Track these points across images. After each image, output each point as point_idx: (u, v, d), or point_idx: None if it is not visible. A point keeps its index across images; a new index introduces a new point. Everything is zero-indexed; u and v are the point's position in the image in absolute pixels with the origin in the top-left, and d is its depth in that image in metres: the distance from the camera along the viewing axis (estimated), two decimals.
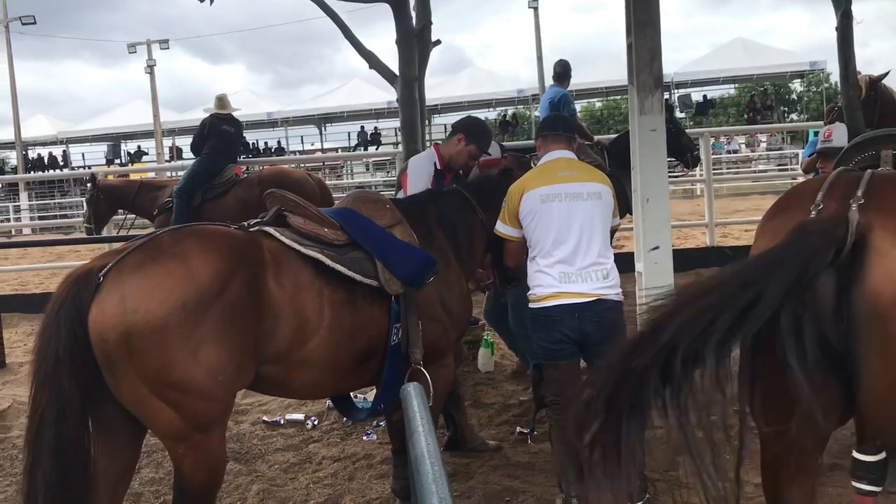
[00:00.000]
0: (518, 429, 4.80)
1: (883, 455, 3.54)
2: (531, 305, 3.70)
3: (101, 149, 35.96)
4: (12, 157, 36.78)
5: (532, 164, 8.10)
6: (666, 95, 5.77)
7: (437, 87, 28.31)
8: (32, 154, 36.46)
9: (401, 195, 4.39)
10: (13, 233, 22.89)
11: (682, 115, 28.87)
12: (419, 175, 4.44)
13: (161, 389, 2.62)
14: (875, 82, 5.78)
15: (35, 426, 2.63)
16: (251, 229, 3.15)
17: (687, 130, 9.11)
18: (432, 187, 4.33)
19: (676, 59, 30.79)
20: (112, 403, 2.72)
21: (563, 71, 8.45)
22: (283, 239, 3.09)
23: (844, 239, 2.00)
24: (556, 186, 3.68)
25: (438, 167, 4.50)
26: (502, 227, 3.82)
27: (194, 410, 2.68)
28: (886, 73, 5.88)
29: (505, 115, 34.12)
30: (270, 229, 3.15)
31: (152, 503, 4.19)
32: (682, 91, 31.11)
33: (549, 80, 11.54)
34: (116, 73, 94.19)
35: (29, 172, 31.40)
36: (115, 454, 2.85)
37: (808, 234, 2.04)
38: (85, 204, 9.27)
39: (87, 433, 2.68)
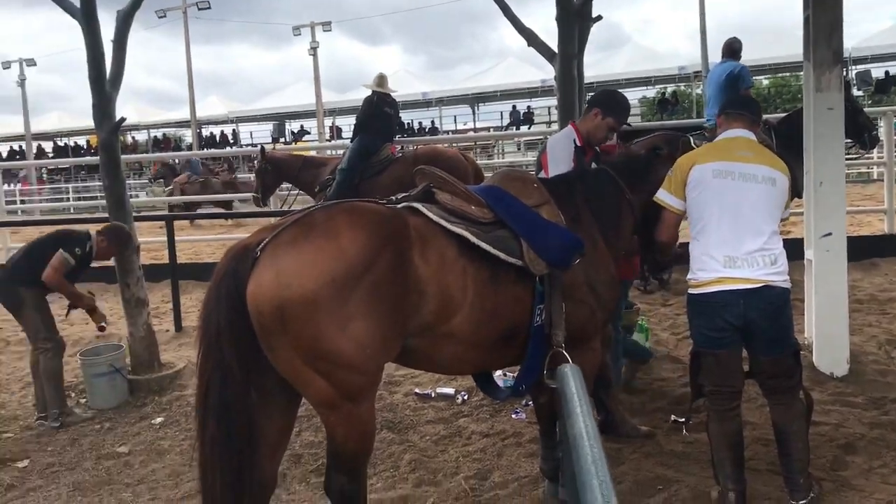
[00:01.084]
0: (672, 417, 4.66)
1: None
2: (691, 291, 3.57)
3: (268, 128, 37.90)
4: (188, 136, 39.46)
5: (694, 144, 7.81)
6: (843, 72, 5.37)
7: (594, 65, 27.81)
8: (206, 132, 38.95)
9: (541, 175, 4.32)
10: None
11: (860, 92, 26.83)
12: (559, 154, 4.36)
13: (312, 360, 2.72)
14: None
15: (202, 391, 2.82)
16: (399, 205, 3.20)
17: (866, 110, 8.47)
18: (574, 165, 4.24)
19: (855, 32, 28.51)
20: (270, 370, 2.85)
21: (736, 49, 8.08)
22: (429, 215, 3.12)
23: None
24: (730, 164, 3.49)
25: (578, 144, 4.40)
26: (666, 196, 3.65)
27: (343, 381, 2.77)
28: None
29: (664, 94, 32.97)
30: (418, 205, 3.18)
31: (311, 465, 4.40)
32: (861, 67, 28.90)
33: (713, 57, 11.03)
34: (282, 55, 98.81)
35: (202, 150, 33.55)
36: (273, 417, 3.00)
37: None
38: (254, 174, 9.84)
39: (249, 399, 2.82)
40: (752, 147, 3.59)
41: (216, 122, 39.30)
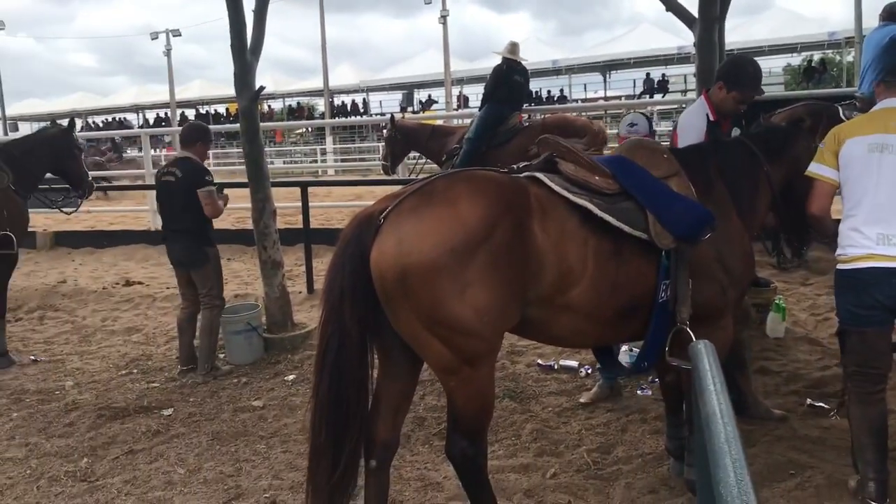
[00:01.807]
0: (808, 401, 4.45)
1: None
2: (839, 267, 3.38)
3: (397, 97, 38.53)
4: (320, 104, 40.65)
5: (843, 116, 7.34)
6: None
7: (735, 31, 26.48)
8: (337, 101, 39.98)
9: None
10: (319, 173, 25.39)
11: None
12: (690, 132, 4.17)
13: (432, 325, 2.76)
14: None
15: (321, 350, 2.92)
16: (521, 175, 3.17)
17: None
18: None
19: None
20: (392, 334, 2.92)
21: (894, 12, 7.46)
22: (551, 185, 3.07)
23: None
24: (887, 136, 3.28)
25: (712, 118, 4.18)
26: (818, 168, 3.45)
27: (462, 346, 2.79)
28: None
29: (811, 61, 31.10)
30: (540, 175, 3.14)
31: (434, 428, 4.49)
32: None
33: (868, 22, 10.25)
34: (411, 24, 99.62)
35: (334, 118, 34.47)
36: (395, 379, 3.08)
37: None
38: (383, 142, 10.02)
39: (366, 362, 2.90)
40: None
41: (347, 92, 40.27)
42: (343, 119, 36.17)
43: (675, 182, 3.24)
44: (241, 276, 9.06)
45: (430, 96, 38.18)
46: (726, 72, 4.26)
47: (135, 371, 6.02)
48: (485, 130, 8.75)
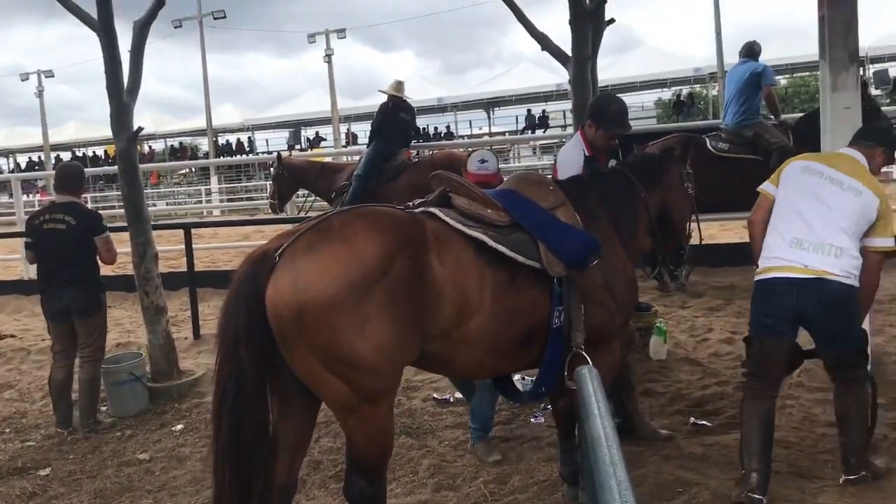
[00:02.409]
0: (692, 419, 4.64)
1: None
2: (755, 277, 3.74)
3: (284, 135, 38.12)
4: (204, 144, 39.73)
5: (710, 146, 7.78)
6: (860, 71, 5.35)
7: (608, 68, 27.68)
8: (222, 140, 39.22)
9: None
10: (204, 214, 24.78)
11: (878, 92, 26.59)
12: (568, 167, 4.36)
13: (330, 363, 2.74)
14: None
15: (218, 395, 2.85)
16: (416, 210, 3.22)
17: (884, 109, 8.39)
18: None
19: (872, 32, 28.25)
20: (289, 375, 2.87)
21: (756, 51, 8.05)
22: (446, 219, 3.13)
23: None
24: (822, 166, 3.72)
25: (588, 154, 4.40)
26: (764, 184, 3.92)
27: (362, 384, 2.78)
28: None
29: (679, 95, 32.83)
30: (435, 210, 3.20)
31: (330, 470, 4.41)
32: (878, 66, 28.67)
33: (728, 58, 10.96)
34: (295, 63, 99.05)
35: (219, 157, 33.78)
36: (292, 422, 3.02)
37: None
38: (270, 180, 9.91)
39: (265, 404, 2.85)
40: (853, 164, 3.75)
41: (232, 130, 39.57)
42: (228, 158, 35.46)
43: (562, 212, 3.37)
44: (122, 323, 8.69)
45: (317, 134, 37.99)
46: (592, 111, 4.49)
47: (7, 430, 5.65)
48: (373, 167, 8.80)
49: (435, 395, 5.48)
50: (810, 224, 3.58)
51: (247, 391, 2.78)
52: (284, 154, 10.30)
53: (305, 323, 2.70)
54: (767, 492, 3.54)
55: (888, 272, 7.83)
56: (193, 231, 8.34)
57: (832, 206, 3.59)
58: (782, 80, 33.93)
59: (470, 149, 9.22)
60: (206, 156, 37.25)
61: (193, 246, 8.06)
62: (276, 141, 38.42)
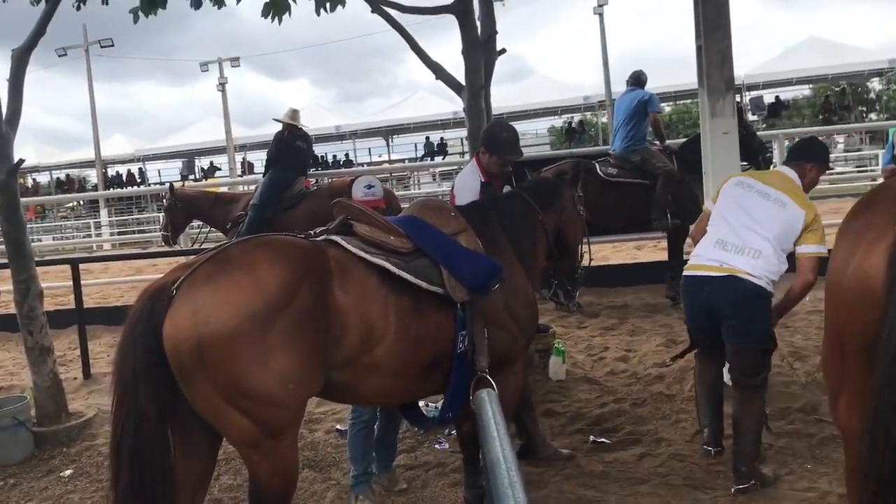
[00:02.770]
0: (591, 438, 4.75)
1: None
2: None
3: (177, 165, 37.15)
4: (92, 176, 38.27)
5: (599, 171, 8.06)
6: (737, 98, 5.68)
7: (501, 97, 28.34)
8: (111, 172, 37.88)
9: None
10: (94, 248, 23.79)
11: (755, 117, 28.21)
12: (465, 193, 4.45)
13: (233, 398, 2.68)
14: None
15: (116, 437, 2.74)
16: (318, 238, 3.21)
17: (760, 133, 8.91)
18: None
19: (747, 61, 30.09)
20: (190, 411, 2.79)
21: (642, 80, 8.44)
22: (349, 247, 3.13)
23: None
24: (753, 181, 4.09)
25: (483, 180, 4.51)
26: (706, 202, 4.44)
27: (266, 417, 2.73)
28: None
29: (571, 123, 33.88)
30: (337, 238, 3.19)
31: None
32: (754, 93, 30.42)
33: (616, 86, 11.38)
34: (187, 92, 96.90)
35: (108, 189, 32.58)
36: (193, 459, 2.93)
37: None
38: (163, 212, 9.60)
39: (166, 443, 2.75)
40: (784, 180, 4.08)
41: (122, 162, 38.28)
42: (118, 190, 34.26)
43: (464, 238, 3.43)
44: (4, 365, 8.21)
45: (212, 163, 37.20)
46: (484, 138, 4.59)
47: None
48: (270, 196, 8.68)
49: (338, 427, 5.41)
50: (734, 229, 3.95)
51: (147, 431, 2.69)
52: (177, 184, 10.05)
53: (206, 357, 2.63)
54: (721, 444, 4.20)
55: None
56: (82, 266, 8.01)
57: (757, 216, 3.93)
58: (666, 108, 35.51)
59: (405, 174, 9.22)
60: (95, 188, 35.89)
61: (82, 281, 7.72)
62: (169, 171, 37.40)
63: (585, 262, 4.30)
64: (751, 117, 27.36)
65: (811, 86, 34.14)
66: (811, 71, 28.83)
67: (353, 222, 3.30)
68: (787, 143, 9.65)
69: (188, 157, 36.89)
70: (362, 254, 3.12)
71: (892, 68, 29.14)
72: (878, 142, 23.29)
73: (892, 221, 2.13)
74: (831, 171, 23.35)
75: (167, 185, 9.85)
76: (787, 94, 33.21)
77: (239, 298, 2.68)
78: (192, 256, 2.98)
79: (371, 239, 3.21)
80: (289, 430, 2.86)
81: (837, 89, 32.16)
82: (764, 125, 27.82)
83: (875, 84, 35.42)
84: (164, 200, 9.65)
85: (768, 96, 30.94)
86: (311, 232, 3.29)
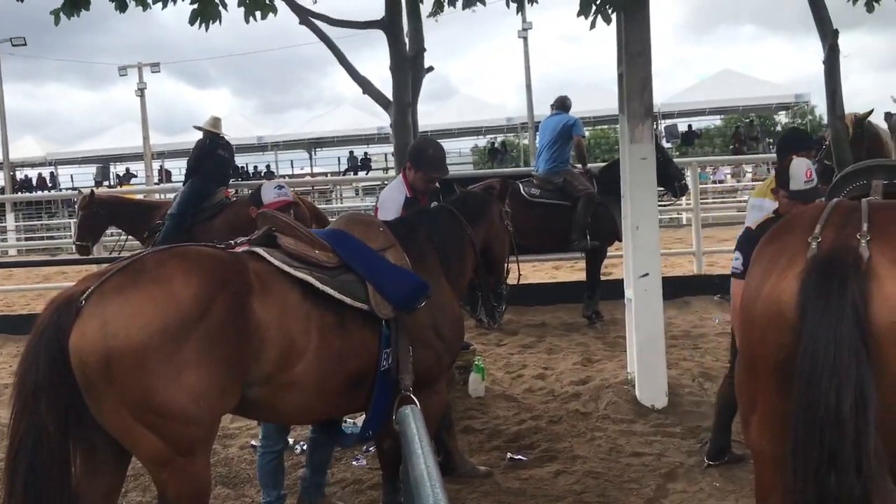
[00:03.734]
0: (509, 455, 4.79)
1: None
2: None
3: (91, 171, 35.87)
4: None
5: (523, 192, 8.17)
6: (654, 125, 5.90)
7: (426, 115, 28.45)
8: (20, 175, 36.32)
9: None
10: None
11: (669, 145, 29.12)
12: (389, 207, 4.45)
13: (143, 414, 2.60)
14: (861, 121, 5.91)
15: (12, 454, 2.62)
16: (239, 250, 3.14)
17: (674, 160, 9.22)
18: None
19: (663, 89, 31.23)
20: (96, 427, 2.70)
21: (567, 105, 8.69)
22: (272, 260, 3.07)
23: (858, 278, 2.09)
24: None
25: (409, 196, 4.51)
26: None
27: (177, 435, 2.66)
28: (871, 112, 6.00)
29: (493, 143, 34.30)
30: (259, 250, 3.13)
31: None
32: (669, 121, 31.43)
33: (539, 109, 11.58)
34: (102, 96, 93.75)
35: (16, 193, 31.23)
36: (98, 477, 2.83)
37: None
38: (79, 219, 9.14)
39: (66, 460, 2.65)
40: (761, 186, 4.43)
41: (32, 165, 36.73)
42: (27, 194, 32.85)
43: (391, 253, 3.40)
44: None
45: (128, 170, 36.08)
46: (411, 154, 4.62)
47: None
48: (189, 206, 8.48)
49: (253, 443, 5.29)
50: None
51: (46, 448, 2.58)
52: (93, 190, 9.67)
53: (115, 371, 2.55)
54: (717, 458, 4.41)
55: (681, 309, 8.56)
56: None
57: None
58: (586, 132, 36.31)
59: (328, 187, 9.10)
60: (2, 191, 34.36)
61: None
62: (83, 177, 35.98)
63: (512, 279, 4.34)
64: (665, 144, 28.25)
65: (722, 116, 35.57)
66: (723, 102, 30.02)
67: (277, 234, 3.24)
68: (699, 170, 10.01)
69: (103, 162, 35.68)
70: (285, 267, 3.06)
71: (797, 102, 30.64)
72: None
73: (803, 248, 2.24)
74: (740, 200, 24.45)
75: (86, 190, 9.42)
76: (699, 123, 34.48)
77: (150, 311, 2.61)
78: (105, 265, 2.88)
79: (295, 252, 3.15)
80: (200, 447, 2.79)
81: (747, 121, 33.53)
82: (677, 153, 28.78)
83: (782, 117, 37.17)
84: (80, 206, 9.19)
85: (682, 125, 32.03)
86: (232, 242, 3.23)
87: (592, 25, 5.17)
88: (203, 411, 2.69)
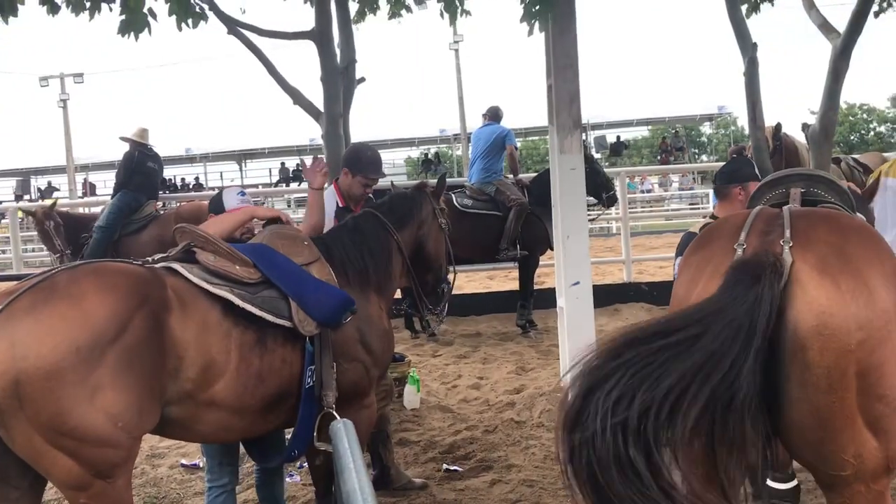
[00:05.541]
0: (444, 466, 4.78)
1: (794, 483, 3.70)
2: None
3: (10, 184, 34.64)
4: None
5: (455, 203, 8.20)
6: (583, 136, 6.01)
7: (358, 125, 28.39)
8: None
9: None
10: None
11: (598, 155, 29.74)
12: None
13: (56, 438, 2.51)
14: (776, 132, 6.14)
15: None
16: (157, 266, 3.03)
17: (604, 170, 9.39)
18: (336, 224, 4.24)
19: (593, 101, 31.93)
20: (6, 452, 2.58)
21: (499, 115, 8.76)
22: (189, 276, 2.98)
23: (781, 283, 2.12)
24: None
25: (341, 205, 4.47)
26: None
27: (94, 458, 2.57)
28: (779, 124, 6.25)
29: (427, 154, 34.46)
30: (177, 266, 3.03)
31: None
32: (598, 132, 32.10)
33: (471, 121, 11.65)
34: (22, 107, 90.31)
35: None
36: None
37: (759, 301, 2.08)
38: (48, 236, 8.62)
39: None
40: None
41: None
42: None
43: (315, 269, 3.32)
44: None
45: (49, 183, 34.97)
46: (347, 158, 4.59)
47: None
48: (118, 219, 8.31)
49: (183, 461, 5.17)
50: None
51: None
52: (9, 205, 9.30)
53: (25, 394, 2.44)
54: None
55: (612, 317, 8.72)
56: None
57: None
58: (517, 143, 36.78)
59: (259, 199, 8.89)
60: None
61: None
62: (2, 190, 34.79)
63: (450, 277, 4.28)
64: (595, 155, 28.86)
65: (649, 127, 36.54)
66: (650, 113, 30.87)
67: (196, 249, 3.14)
68: (628, 180, 10.25)
69: (23, 175, 34.51)
70: (204, 284, 2.97)
71: (720, 114, 31.70)
72: (708, 182, 25.15)
73: (730, 255, 2.30)
74: (666, 209, 25.11)
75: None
76: (627, 134, 35.33)
77: (62, 331, 2.51)
78: (14, 283, 2.76)
79: (214, 268, 3.05)
80: (120, 469, 2.69)
81: (673, 131, 34.51)
82: (606, 163, 29.41)
83: (706, 128, 38.39)
84: (41, 223, 8.64)
85: (611, 136, 32.75)
86: (150, 259, 3.12)
87: (530, 32, 5.26)
88: (121, 433, 2.60)
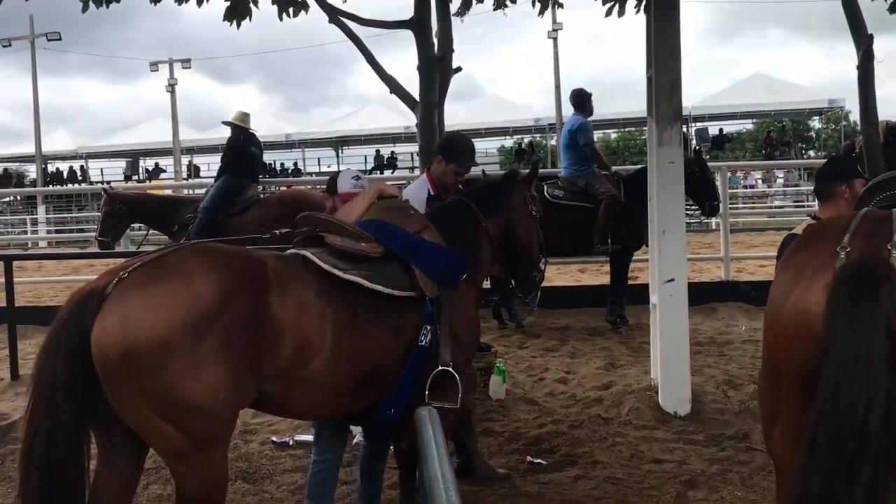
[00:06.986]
0: (528, 458, 4.76)
1: None
2: None
3: (121, 165, 36.33)
4: (31, 171, 37.20)
5: (546, 194, 8.11)
6: (683, 128, 5.85)
7: (452, 114, 28.48)
8: (52, 168, 36.88)
9: None
10: (29, 245, 23.11)
11: (698, 147, 28.92)
12: (412, 204, 4.43)
13: (161, 408, 2.62)
14: (893, 128, 5.81)
15: (27, 446, 2.63)
16: (287, 252, 3.19)
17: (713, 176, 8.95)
18: None
19: (694, 92, 30.99)
20: (114, 419, 2.71)
21: (579, 100, 8.48)
22: (320, 263, 3.08)
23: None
24: None
25: (432, 193, 4.49)
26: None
27: (195, 429, 2.67)
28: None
29: (521, 144, 34.23)
30: (306, 252, 3.14)
31: None
32: (700, 125, 31.17)
33: (567, 110, 11.55)
34: (132, 91, 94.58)
35: (48, 186, 31.71)
36: (117, 469, 2.84)
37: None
38: (102, 216, 9.28)
39: (81, 453, 2.66)
40: None
41: (64, 158, 37.28)
42: (58, 188, 33.37)
43: (427, 234, 3.45)
44: None
45: (157, 164, 36.52)
46: (442, 146, 4.61)
47: None
48: (223, 200, 8.62)
49: (273, 439, 5.33)
50: None
51: (62, 443, 2.59)
52: (119, 185, 9.78)
53: (135, 365, 2.56)
54: None
55: (707, 315, 8.48)
56: (16, 263, 7.75)
57: None
58: (613, 134, 36.10)
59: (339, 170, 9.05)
60: (34, 183, 34.90)
61: (15, 279, 7.48)
62: (112, 171, 36.52)
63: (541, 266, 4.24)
64: (694, 147, 28.07)
65: (754, 120, 35.22)
66: (755, 106, 29.70)
67: (322, 234, 3.26)
68: (729, 174, 9.90)
69: (132, 156, 36.15)
70: (336, 271, 3.07)
71: (830, 108, 30.24)
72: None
73: (832, 258, 2.20)
74: (769, 206, 24.20)
75: (117, 185, 9.56)
76: (730, 127, 34.18)
77: (171, 306, 2.62)
78: (128, 259, 2.90)
79: (342, 248, 3.17)
80: (218, 441, 2.80)
81: (779, 125, 33.15)
82: (708, 157, 28.54)
83: (815, 122, 36.71)
84: (102, 203, 9.28)
85: (713, 128, 31.74)
86: (276, 233, 3.30)
87: (608, 13, 5.14)
88: (221, 406, 2.70)
